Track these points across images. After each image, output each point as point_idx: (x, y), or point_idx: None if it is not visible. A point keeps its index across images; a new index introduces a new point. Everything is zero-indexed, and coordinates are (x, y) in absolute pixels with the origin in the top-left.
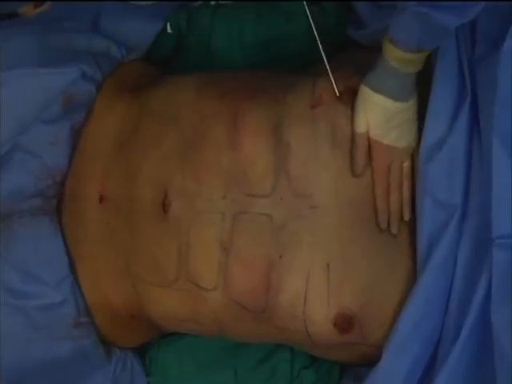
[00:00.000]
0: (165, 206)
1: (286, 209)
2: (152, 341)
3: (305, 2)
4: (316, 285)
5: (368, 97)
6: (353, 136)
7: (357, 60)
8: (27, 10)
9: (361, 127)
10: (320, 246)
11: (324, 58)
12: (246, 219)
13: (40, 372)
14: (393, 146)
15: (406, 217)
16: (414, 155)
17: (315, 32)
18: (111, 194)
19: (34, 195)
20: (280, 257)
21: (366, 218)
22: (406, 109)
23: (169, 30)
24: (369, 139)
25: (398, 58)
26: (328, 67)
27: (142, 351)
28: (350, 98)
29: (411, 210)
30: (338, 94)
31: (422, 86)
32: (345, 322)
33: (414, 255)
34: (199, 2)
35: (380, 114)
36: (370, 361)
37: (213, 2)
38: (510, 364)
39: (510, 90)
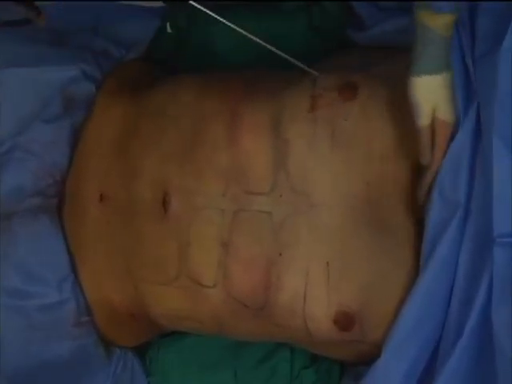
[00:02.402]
0: (165, 204)
1: (285, 206)
2: (152, 341)
3: None
4: (316, 282)
5: (427, 84)
6: (417, 130)
7: (360, 56)
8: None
9: (426, 119)
10: (319, 244)
11: None
12: (245, 217)
13: (41, 372)
14: (451, 122)
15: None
16: None
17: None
18: (111, 193)
19: (34, 194)
20: (280, 254)
21: (366, 215)
22: (451, 78)
23: (169, 29)
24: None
25: (443, 24)
26: None
27: (142, 351)
28: (350, 93)
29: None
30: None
31: None
32: (345, 320)
33: (414, 253)
34: None
35: (445, 93)
36: (369, 359)
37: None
38: (511, 364)
39: (509, 89)
